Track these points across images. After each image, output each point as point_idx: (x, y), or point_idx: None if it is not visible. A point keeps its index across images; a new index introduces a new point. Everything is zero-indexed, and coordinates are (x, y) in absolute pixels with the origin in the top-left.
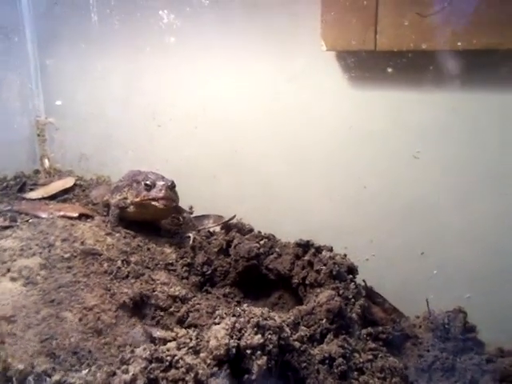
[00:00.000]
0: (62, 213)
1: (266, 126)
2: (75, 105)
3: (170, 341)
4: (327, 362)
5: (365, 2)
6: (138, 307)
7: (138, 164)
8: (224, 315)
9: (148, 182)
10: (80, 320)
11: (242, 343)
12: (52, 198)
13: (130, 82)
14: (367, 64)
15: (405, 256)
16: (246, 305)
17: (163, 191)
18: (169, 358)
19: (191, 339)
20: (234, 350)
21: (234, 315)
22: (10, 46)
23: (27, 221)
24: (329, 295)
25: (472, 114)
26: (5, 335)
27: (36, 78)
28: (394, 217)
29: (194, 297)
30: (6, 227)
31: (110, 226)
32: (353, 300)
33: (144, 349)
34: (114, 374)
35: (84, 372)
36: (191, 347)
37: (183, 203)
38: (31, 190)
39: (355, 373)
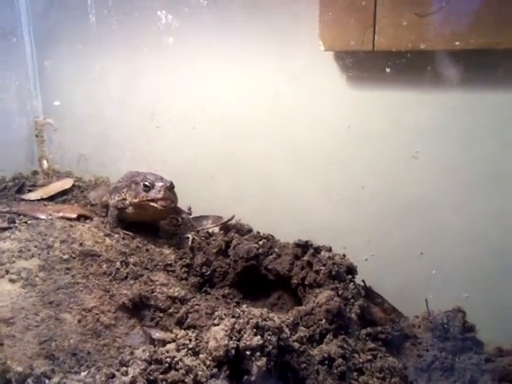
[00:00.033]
0: (60, 214)
1: (264, 126)
2: (73, 105)
3: (169, 342)
4: (327, 362)
5: (363, 2)
6: (137, 308)
7: (137, 164)
8: (223, 316)
9: (147, 183)
10: (79, 321)
11: (242, 344)
12: (51, 199)
13: (128, 82)
14: (365, 64)
15: (404, 256)
16: (245, 305)
17: (162, 192)
18: (168, 359)
19: (190, 340)
20: (233, 351)
21: (233, 316)
22: (8, 47)
23: (26, 222)
24: (328, 295)
25: (470, 113)
26: (3, 337)
27: (34, 79)
28: (393, 217)
29: (193, 298)
30: (5, 228)
31: (109, 227)
32: (352, 300)
33: (143, 350)
34: (114, 375)
35: (83, 374)
36: (190, 348)
37: (182, 204)
38: (30, 191)
39: (355, 373)
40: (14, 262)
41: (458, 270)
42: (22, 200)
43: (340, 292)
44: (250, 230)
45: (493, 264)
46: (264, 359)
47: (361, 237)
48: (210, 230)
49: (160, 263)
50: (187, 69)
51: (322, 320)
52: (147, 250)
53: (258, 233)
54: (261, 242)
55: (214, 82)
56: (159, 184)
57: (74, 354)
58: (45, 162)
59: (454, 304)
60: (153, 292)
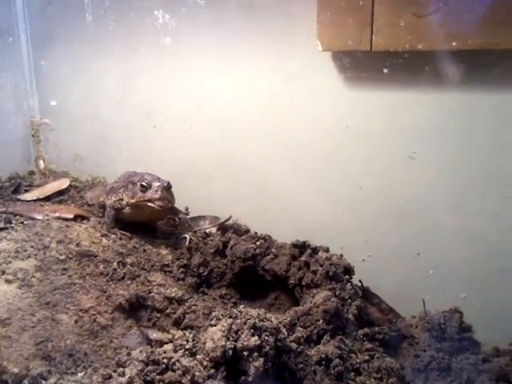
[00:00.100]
0: (57, 214)
1: (262, 126)
2: (70, 105)
3: (166, 343)
4: (324, 362)
5: (361, 2)
6: (134, 309)
7: (134, 164)
8: (220, 317)
9: (144, 183)
10: (76, 322)
11: (239, 345)
12: (47, 199)
13: (125, 82)
14: (363, 64)
15: (401, 256)
16: (242, 306)
17: (159, 192)
18: (165, 360)
19: (188, 341)
20: (230, 352)
21: (230, 317)
22: (4, 47)
23: (22, 222)
24: (325, 296)
25: (468, 114)
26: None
27: (30, 79)
28: (390, 217)
29: (190, 298)
30: (1, 229)
31: (106, 228)
32: (349, 301)
33: (140, 351)
34: (110, 376)
35: (80, 375)
36: (188, 349)
37: (179, 204)
38: (26, 191)
39: (352, 373)
40: (10, 262)
41: (455, 271)
42: (19, 200)
43: (337, 292)
44: (248, 231)
45: (490, 264)
46: (261, 360)
47: (358, 237)
48: (208, 231)
49: (157, 263)
50: (184, 68)
51: (319, 320)
52: (144, 251)
53: (256, 233)
54: (258, 243)
55: (211, 82)
56: (156, 184)
57: (70, 355)
58: (41, 162)
59: (452, 304)
60: (150, 292)
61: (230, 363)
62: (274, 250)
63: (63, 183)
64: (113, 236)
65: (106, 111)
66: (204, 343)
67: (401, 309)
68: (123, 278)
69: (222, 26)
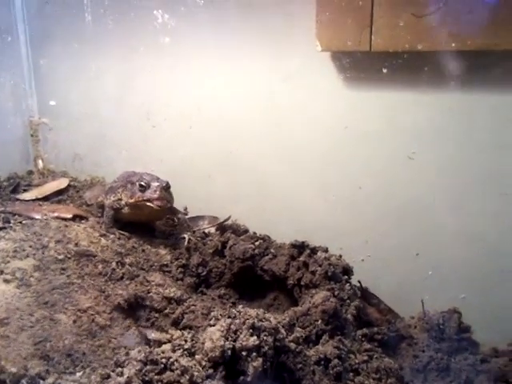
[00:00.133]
0: (55, 214)
1: (261, 125)
2: (69, 105)
3: (164, 343)
4: (323, 363)
5: (360, 2)
6: (133, 309)
7: (133, 164)
8: (219, 317)
9: (142, 183)
10: (74, 322)
11: (238, 345)
12: (46, 199)
13: (124, 81)
14: (362, 64)
15: (400, 257)
16: (241, 306)
17: (158, 192)
18: (164, 360)
19: (186, 341)
20: (229, 352)
21: (229, 317)
22: (3, 46)
23: (21, 222)
24: (324, 296)
25: (467, 114)
26: None
27: (29, 78)
28: (390, 217)
29: (189, 298)
30: (0, 228)
31: (105, 228)
32: (348, 301)
33: (139, 351)
34: (109, 376)
35: (78, 374)
36: (186, 349)
37: (178, 204)
38: (25, 190)
39: (350, 374)
40: (8, 262)
41: (454, 271)
42: (17, 200)
43: (336, 293)
44: (247, 231)
45: (489, 265)
46: (260, 360)
47: (357, 237)
48: (206, 231)
49: (156, 263)
50: (183, 68)
51: (318, 321)
52: (143, 251)
53: (255, 233)
54: (257, 243)
55: (210, 82)
56: (155, 184)
57: (68, 355)
58: (40, 162)
59: (451, 305)
60: (148, 292)
61: (229, 363)
62: (272, 250)
63: (62, 183)
64: (111, 236)
65: (105, 111)
66: (203, 343)
67: (400, 309)
68: (122, 277)
69: (221, 25)
